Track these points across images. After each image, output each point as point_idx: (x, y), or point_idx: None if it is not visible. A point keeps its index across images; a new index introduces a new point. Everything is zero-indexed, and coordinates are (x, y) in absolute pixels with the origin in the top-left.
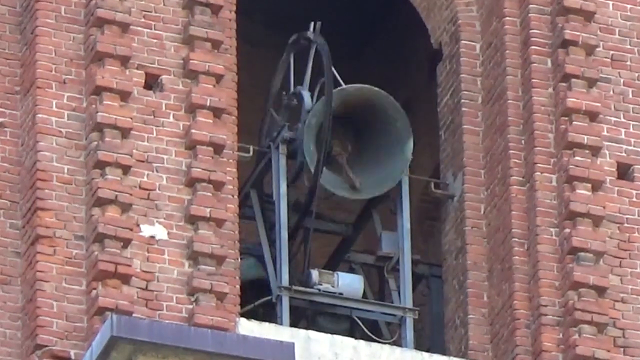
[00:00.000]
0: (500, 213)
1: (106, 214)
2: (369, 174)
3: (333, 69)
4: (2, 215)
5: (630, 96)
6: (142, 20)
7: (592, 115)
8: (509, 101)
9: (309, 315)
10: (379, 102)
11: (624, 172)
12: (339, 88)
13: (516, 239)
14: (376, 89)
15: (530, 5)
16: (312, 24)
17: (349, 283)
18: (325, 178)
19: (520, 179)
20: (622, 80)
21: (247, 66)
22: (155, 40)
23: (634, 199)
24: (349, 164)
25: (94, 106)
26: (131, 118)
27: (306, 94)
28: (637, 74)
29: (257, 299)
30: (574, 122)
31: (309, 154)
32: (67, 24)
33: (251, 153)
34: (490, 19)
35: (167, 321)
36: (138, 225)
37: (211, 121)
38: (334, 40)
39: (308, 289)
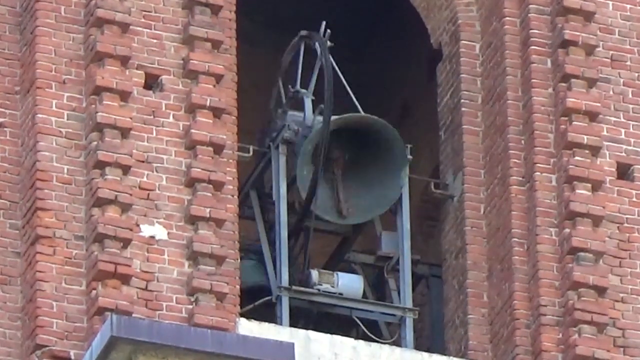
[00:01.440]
0: (500, 213)
1: (106, 214)
2: (360, 197)
3: (337, 67)
4: (2, 215)
5: (630, 96)
6: (142, 20)
7: (592, 115)
8: (509, 101)
9: (309, 316)
10: (378, 129)
11: (623, 172)
12: (339, 117)
13: (516, 239)
14: (375, 117)
15: (530, 5)
16: (323, 26)
17: (349, 283)
18: (317, 199)
19: (520, 179)
20: (622, 80)
21: (247, 66)
22: (155, 40)
23: (634, 199)
24: (343, 179)
25: (93, 106)
26: (131, 118)
27: (308, 103)
28: (637, 74)
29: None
30: (573, 122)
31: (301, 179)
32: (67, 24)
33: (251, 153)
34: (490, 19)
35: (166, 321)
36: (138, 226)
37: (211, 121)
38: (334, 40)
39: (308, 289)
